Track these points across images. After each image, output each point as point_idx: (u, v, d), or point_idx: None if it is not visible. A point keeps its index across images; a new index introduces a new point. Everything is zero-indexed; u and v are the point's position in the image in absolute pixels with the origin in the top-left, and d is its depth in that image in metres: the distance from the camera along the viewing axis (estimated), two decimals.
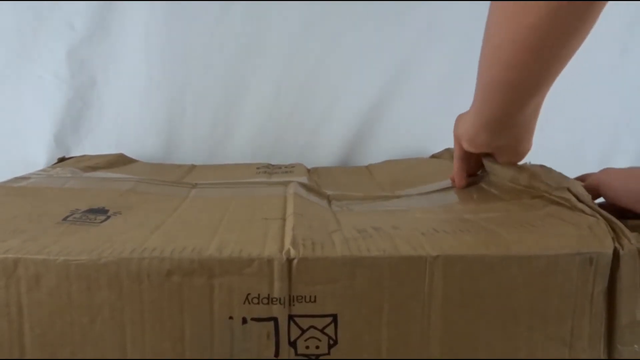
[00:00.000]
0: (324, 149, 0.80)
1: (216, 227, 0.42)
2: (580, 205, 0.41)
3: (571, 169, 0.79)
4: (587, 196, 0.42)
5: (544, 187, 0.47)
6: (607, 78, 0.79)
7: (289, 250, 0.36)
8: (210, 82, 0.79)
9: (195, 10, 0.75)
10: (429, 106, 0.80)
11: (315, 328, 0.36)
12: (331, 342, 0.36)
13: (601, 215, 0.39)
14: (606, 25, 0.76)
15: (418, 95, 0.79)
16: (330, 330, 0.36)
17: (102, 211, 0.46)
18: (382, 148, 0.80)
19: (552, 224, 0.40)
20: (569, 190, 0.43)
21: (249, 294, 0.36)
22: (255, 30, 0.76)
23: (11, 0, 0.72)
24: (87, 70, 0.78)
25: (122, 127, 0.80)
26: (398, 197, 0.57)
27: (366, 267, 0.36)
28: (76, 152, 0.79)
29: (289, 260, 0.35)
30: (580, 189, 0.43)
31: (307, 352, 0.36)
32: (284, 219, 0.44)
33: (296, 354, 0.36)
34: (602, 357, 0.37)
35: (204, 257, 0.36)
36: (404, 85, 0.79)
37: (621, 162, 0.82)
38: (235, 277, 0.35)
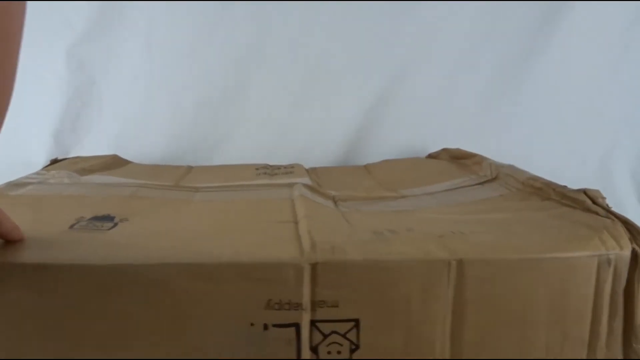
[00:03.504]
0: (321, 149, 0.80)
1: (229, 232, 0.41)
2: (594, 207, 0.42)
3: (571, 169, 0.81)
4: (601, 199, 0.43)
5: (558, 190, 0.47)
6: (607, 78, 0.80)
7: (310, 255, 0.35)
8: (211, 82, 0.78)
9: (195, 10, 0.74)
10: (425, 106, 0.80)
11: (337, 333, 0.36)
12: (353, 347, 0.36)
13: (616, 216, 0.39)
14: (606, 25, 0.79)
15: (415, 96, 0.80)
16: (352, 335, 0.36)
17: (108, 218, 0.44)
18: (379, 148, 0.80)
19: (568, 226, 0.40)
20: (584, 193, 0.44)
21: (270, 300, 0.35)
22: (255, 30, 0.75)
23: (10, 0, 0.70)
24: (86, 69, 0.76)
25: (122, 126, 0.79)
26: (403, 197, 0.57)
27: (388, 271, 0.35)
28: (75, 152, 0.78)
29: (312, 265, 0.35)
30: (595, 192, 0.44)
31: (329, 357, 0.36)
32: (295, 222, 0.43)
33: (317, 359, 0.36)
34: (620, 357, 0.38)
35: (224, 262, 0.35)
36: (401, 85, 0.79)
37: (621, 162, 0.83)
38: (256, 282, 0.35)
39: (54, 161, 0.70)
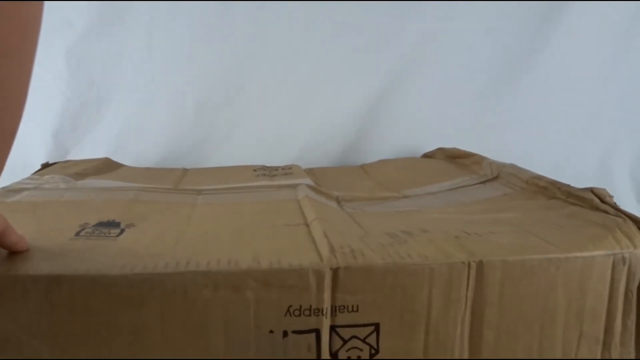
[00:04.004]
0: (319, 150, 0.80)
1: (240, 237, 0.41)
2: (603, 206, 0.42)
3: (572, 169, 0.82)
4: (609, 197, 0.43)
5: (564, 188, 0.48)
6: (606, 78, 0.82)
7: (331, 259, 0.35)
8: (210, 83, 0.77)
9: (195, 10, 0.73)
10: (424, 106, 0.80)
11: (357, 338, 0.36)
12: (373, 351, 0.36)
13: (626, 215, 0.40)
14: (606, 24, 0.80)
15: (413, 96, 0.80)
16: (372, 340, 0.36)
17: (114, 224, 0.43)
18: (378, 148, 0.80)
19: (581, 225, 0.40)
20: (591, 191, 0.44)
21: (290, 306, 0.35)
22: (255, 31, 0.74)
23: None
24: (85, 69, 0.75)
25: (121, 126, 0.78)
26: (406, 197, 0.57)
27: (409, 274, 0.35)
28: (75, 152, 0.76)
29: (333, 270, 0.34)
30: (602, 190, 0.44)
31: None
32: (307, 225, 0.43)
33: None
34: (633, 356, 0.38)
35: (244, 269, 0.34)
36: (399, 85, 0.79)
37: (621, 162, 0.85)
38: (276, 289, 0.34)
39: (45, 165, 0.68)
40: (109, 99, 0.76)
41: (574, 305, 0.37)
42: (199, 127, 0.78)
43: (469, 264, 0.35)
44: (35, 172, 0.64)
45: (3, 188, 0.54)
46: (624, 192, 0.82)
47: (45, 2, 0.70)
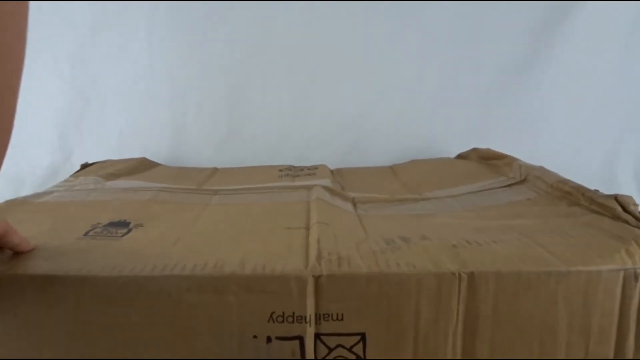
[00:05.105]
0: (320, 150, 0.79)
1: (238, 238, 0.41)
2: (624, 215, 0.39)
3: (574, 170, 0.76)
4: (634, 206, 0.40)
5: (588, 194, 0.44)
6: (609, 78, 0.78)
7: (315, 267, 0.34)
8: (214, 82, 0.78)
9: (197, 10, 0.74)
10: (428, 106, 0.79)
11: (342, 347, 0.35)
12: None
13: None
14: (610, 25, 0.75)
15: (418, 95, 0.79)
16: (358, 349, 0.35)
17: (124, 224, 0.45)
18: (384, 148, 0.79)
19: (593, 235, 0.37)
20: (615, 199, 0.41)
21: (273, 312, 0.34)
22: (257, 29, 0.75)
23: (12, 1, 0.73)
24: (88, 70, 0.77)
25: (124, 126, 0.80)
26: (425, 199, 0.55)
27: (395, 284, 0.34)
28: (79, 152, 0.78)
29: (315, 277, 0.34)
30: (627, 198, 0.41)
31: None
32: (307, 228, 0.43)
33: None
34: None
35: (227, 274, 0.34)
36: (404, 85, 0.78)
37: (624, 162, 0.81)
38: (258, 295, 0.34)
39: (84, 166, 0.72)
40: (111, 98, 0.78)
41: (577, 322, 0.34)
42: (202, 127, 0.79)
43: (459, 275, 0.34)
44: (74, 173, 0.68)
45: (37, 192, 0.57)
46: (628, 192, 0.77)
47: (47, 2, 0.73)
